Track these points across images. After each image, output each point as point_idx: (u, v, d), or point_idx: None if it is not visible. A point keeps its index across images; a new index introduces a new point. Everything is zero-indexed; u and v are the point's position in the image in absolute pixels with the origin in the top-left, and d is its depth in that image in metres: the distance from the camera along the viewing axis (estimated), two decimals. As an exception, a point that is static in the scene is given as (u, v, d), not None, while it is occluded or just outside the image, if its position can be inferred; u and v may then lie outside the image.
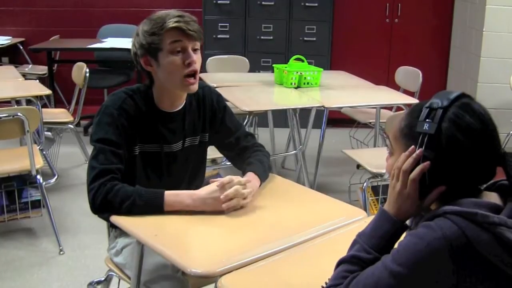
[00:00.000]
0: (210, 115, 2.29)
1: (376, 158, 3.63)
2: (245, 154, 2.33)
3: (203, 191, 2.02)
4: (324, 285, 1.41)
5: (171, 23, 2.02)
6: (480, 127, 1.30)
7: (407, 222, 1.40)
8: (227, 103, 2.43)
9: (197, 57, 2.09)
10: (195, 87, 2.13)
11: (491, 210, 1.25)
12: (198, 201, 1.99)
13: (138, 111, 2.12)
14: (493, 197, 1.33)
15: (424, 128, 1.31)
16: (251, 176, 2.18)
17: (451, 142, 1.29)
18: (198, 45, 2.10)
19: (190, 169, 2.30)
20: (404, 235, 1.36)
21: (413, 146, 1.33)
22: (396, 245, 1.32)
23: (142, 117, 2.13)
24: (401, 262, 1.24)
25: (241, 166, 2.31)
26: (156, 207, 1.96)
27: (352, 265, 1.37)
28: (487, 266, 1.21)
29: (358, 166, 3.67)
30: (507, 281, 1.22)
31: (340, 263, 1.40)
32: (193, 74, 2.09)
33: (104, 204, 1.96)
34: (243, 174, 2.21)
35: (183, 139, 2.23)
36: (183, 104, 2.21)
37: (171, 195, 1.99)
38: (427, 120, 1.32)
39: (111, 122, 2.06)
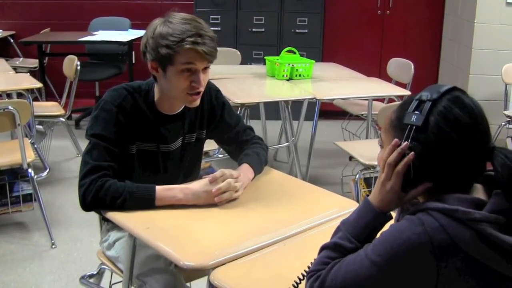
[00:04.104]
0: (209, 112, 2.27)
1: (368, 150, 3.64)
2: (243, 147, 2.32)
3: (195, 185, 2.01)
4: (304, 273, 1.43)
5: (189, 44, 1.93)
6: (469, 121, 1.28)
7: (394, 214, 1.41)
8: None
9: (205, 76, 2.05)
10: (196, 103, 2.09)
11: (473, 206, 1.24)
12: (190, 195, 1.98)
13: (138, 110, 2.09)
14: (478, 190, 1.32)
15: (412, 120, 1.30)
16: (245, 168, 2.17)
17: (438, 135, 1.28)
18: (210, 64, 2.06)
19: (186, 165, 2.29)
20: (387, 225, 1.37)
21: (396, 139, 1.32)
22: (378, 235, 1.32)
23: (141, 116, 2.10)
24: (380, 253, 1.25)
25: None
26: (147, 203, 1.95)
27: (334, 252, 1.39)
28: (470, 262, 1.21)
29: (351, 158, 3.68)
30: (492, 276, 1.22)
31: (323, 248, 1.42)
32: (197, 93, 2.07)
33: (95, 202, 1.94)
34: (238, 165, 2.21)
35: (181, 139, 2.22)
36: (183, 107, 2.19)
37: (162, 190, 1.97)
38: (415, 112, 1.31)
39: (109, 119, 2.03)
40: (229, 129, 2.33)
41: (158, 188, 1.97)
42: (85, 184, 1.95)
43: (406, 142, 1.31)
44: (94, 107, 2.10)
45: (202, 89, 2.07)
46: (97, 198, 1.93)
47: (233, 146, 2.37)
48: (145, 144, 2.14)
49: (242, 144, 2.34)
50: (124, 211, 1.92)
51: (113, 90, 2.09)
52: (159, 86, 2.10)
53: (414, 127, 1.30)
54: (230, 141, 2.36)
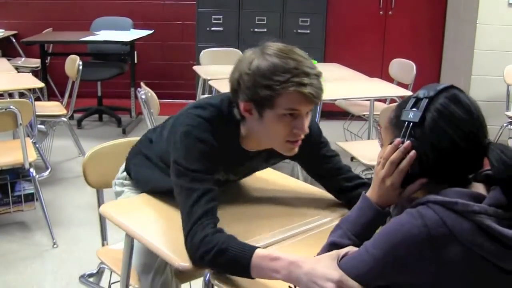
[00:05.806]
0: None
1: (370, 150, 3.63)
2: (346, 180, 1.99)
3: (319, 263, 1.39)
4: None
5: (294, 85, 1.63)
6: (465, 117, 1.31)
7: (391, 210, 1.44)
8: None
9: (307, 121, 1.76)
10: (295, 151, 1.79)
11: (473, 199, 1.26)
12: (298, 276, 1.42)
13: (222, 144, 1.80)
14: (478, 187, 1.33)
15: (409, 116, 1.34)
16: None
17: (435, 131, 1.30)
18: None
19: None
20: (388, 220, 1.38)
21: (398, 139, 1.35)
22: (379, 230, 1.34)
23: (224, 149, 1.80)
24: (380, 247, 1.26)
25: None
26: (241, 267, 1.52)
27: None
28: (468, 255, 1.22)
29: (352, 158, 3.68)
30: (489, 269, 1.23)
31: (323, 248, 1.46)
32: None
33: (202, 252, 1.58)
34: None
35: (251, 171, 2.09)
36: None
37: (265, 258, 1.49)
38: (412, 109, 1.34)
39: (206, 156, 1.74)
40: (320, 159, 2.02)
41: (257, 255, 1.50)
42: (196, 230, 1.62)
43: (408, 141, 1.33)
44: (180, 138, 1.77)
45: (303, 136, 1.77)
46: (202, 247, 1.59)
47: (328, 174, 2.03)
48: (216, 174, 1.85)
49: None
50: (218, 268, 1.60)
51: (204, 127, 1.78)
52: (249, 126, 1.80)
53: (411, 123, 1.33)
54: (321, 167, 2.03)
